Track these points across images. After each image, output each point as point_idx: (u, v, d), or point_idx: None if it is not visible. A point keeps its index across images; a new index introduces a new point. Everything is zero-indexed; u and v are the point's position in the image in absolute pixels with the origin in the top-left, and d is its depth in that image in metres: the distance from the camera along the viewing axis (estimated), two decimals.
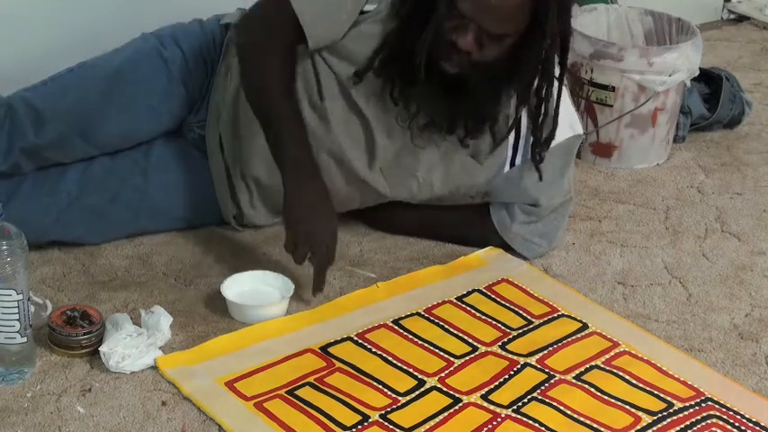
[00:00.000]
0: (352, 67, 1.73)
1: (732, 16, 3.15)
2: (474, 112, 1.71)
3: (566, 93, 1.82)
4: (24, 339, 1.52)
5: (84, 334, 1.58)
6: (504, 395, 1.58)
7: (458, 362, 1.64)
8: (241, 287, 1.72)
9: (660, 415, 1.56)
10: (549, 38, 1.63)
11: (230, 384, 1.55)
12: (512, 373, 1.62)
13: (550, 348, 1.69)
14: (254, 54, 1.71)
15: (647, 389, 1.61)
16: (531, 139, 1.79)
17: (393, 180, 1.84)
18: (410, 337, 1.69)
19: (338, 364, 1.61)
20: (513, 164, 1.81)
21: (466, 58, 1.63)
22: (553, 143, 1.79)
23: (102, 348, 1.56)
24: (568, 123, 1.83)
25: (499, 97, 1.70)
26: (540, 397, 1.58)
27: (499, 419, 1.53)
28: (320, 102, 1.76)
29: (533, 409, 1.55)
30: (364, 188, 1.85)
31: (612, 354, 1.69)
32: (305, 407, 1.52)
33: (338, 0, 1.69)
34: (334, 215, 1.71)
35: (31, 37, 2.01)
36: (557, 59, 1.69)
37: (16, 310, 1.49)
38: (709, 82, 2.45)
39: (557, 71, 1.71)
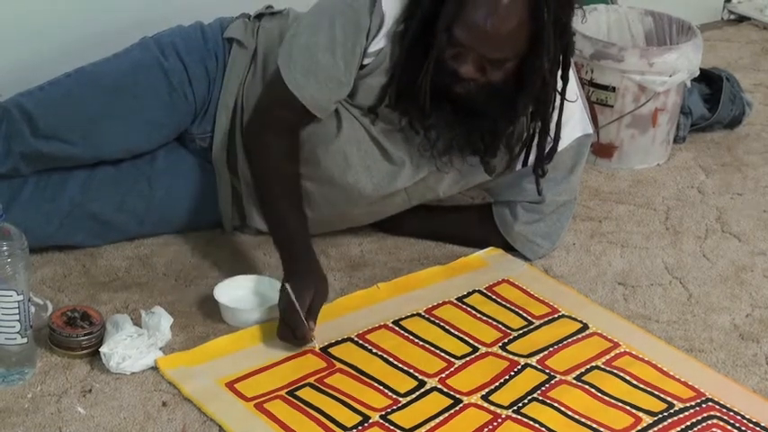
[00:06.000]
0: (370, 115, 1.76)
1: (732, 17, 3.16)
2: (489, 131, 1.72)
3: (579, 92, 1.83)
4: (25, 340, 1.52)
5: (85, 335, 1.58)
6: (505, 396, 1.58)
7: (458, 362, 1.65)
8: (234, 291, 1.73)
9: (661, 415, 1.57)
10: (549, 58, 1.64)
11: (231, 385, 1.55)
12: (512, 373, 1.63)
13: (551, 349, 1.69)
14: (259, 155, 1.75)
15: (648, 389, 1.62)
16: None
17: (415, 197, 1.87)
18: (410, 337, 1.69)
19: (338, 365, 1.61)
20: (525, 164, 1.82)
21: (472, 83, 1.65)
22: (564, 144, 1.80)
23: (103, 349, 1.56)
24: (579, 124, 1.84)
25: (513, 114, 1.71)
26: (540, 397, 1.58)
27: (500, 420, 1.53)
28: (337, 142, 1.77)
29: (534, 410, 1.55)
30: (382, 210, 1.88)
31: (613, 354, 1.69)
32: (305, 407, 1.52)
33: (329, 69, 1.69)
34: (309, 285, 1.64)
35: (28, 38, 2.01)
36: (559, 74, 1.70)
37: (17, 311, 1.50)
38: (710, 82, 2.46)
39: (559, 85, 1.72)
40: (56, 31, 2.02)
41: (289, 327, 1.61)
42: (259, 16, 1.88)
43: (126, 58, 1.82)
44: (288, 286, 1.61)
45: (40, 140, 1.75)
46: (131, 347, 1.57)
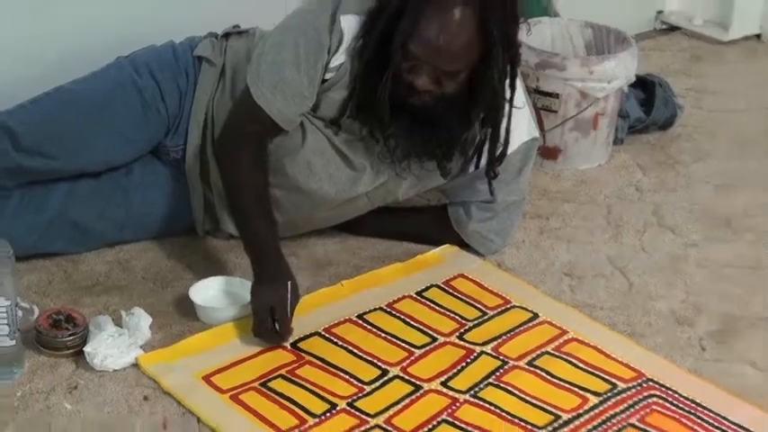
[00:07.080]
0: (332, 126, 1.81)
1: (664, 26, 3.21)
2: (445, 138, 1.77)
3: (526, 99, 1.90)
4: (13, 342, 1.57)
5: (69, 335, 1.63)
6: (462, 381, 1.64)
7: (418, 352, 1.71)
8: (208, 291, 1.78)
9: (606, 395, 1.64)
10: (498, 69, 1.70)
11: (207, 378, 1.60)
12: (469, 360, 1.69)
13: (504, 337, 1.75)
14: (230, 168, 1.79)
15: (594, 372, 1.69)
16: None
17: (376, 200, 1.93)
18: (374, 330, 1.75)
19: (307, 357, 1.66)
20: (477, 166, 1.87)
21: (427, 95, 1.70)
22: (513, 148, 1.85)
23: (87, 348, 1.61)
24: (526, 129, 1.90)
25: (467, 123, 1.77)
26: (495, 382, 1.64)
27: (458, 404, 1.60)
28: (302, 152, 1.82)
29: (490, 394, 1.62)
30: (346, 212, 1.93)
31: (561, 340, 1.75)
32: (277, 397, 1.58)
33: (294, 84, 1.74)
34: (284, 285, 1.69)
35: (9, 59, 2.01)
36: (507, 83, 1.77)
37: (5, 315, 1.55)
38: (645, 88, 2.52)
39: (507, 93, 1.77)
40: (36, 52, 2.03)
41: (265, 324, 1.65)
42: (226, 35, 1.92)
43: (102, 77, 1.87)
44: (289, 285, 1.66)
45: (22, 156, 1.79)
46: (113, 346, 1.61)
